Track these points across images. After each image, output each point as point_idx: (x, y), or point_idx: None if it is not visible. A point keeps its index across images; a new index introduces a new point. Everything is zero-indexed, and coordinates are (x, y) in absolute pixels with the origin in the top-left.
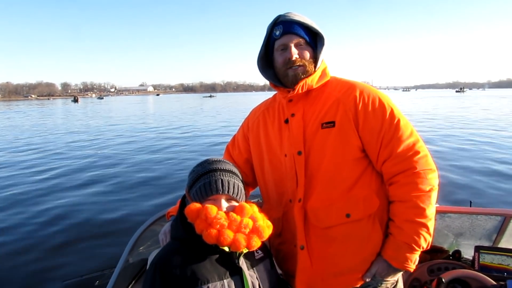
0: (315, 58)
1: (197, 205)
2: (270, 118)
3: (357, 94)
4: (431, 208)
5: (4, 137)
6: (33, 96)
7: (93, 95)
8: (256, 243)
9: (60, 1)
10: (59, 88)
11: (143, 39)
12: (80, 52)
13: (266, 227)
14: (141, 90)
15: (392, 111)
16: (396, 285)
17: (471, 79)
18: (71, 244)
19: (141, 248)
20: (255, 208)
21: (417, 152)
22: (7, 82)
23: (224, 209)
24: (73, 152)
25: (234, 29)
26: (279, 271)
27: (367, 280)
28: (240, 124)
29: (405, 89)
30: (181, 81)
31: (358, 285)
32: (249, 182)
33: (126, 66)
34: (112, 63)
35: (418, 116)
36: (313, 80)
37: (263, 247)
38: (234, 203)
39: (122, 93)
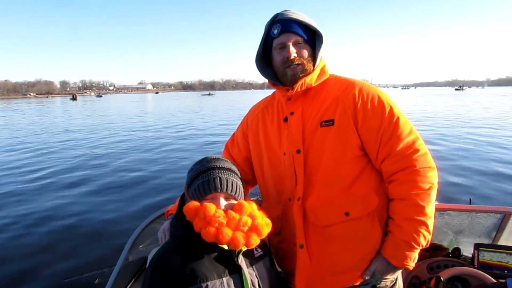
0: (313, 56)
1: (195, 203)
2: (269, 116)
3: (356, 92)
4: (430, 206)
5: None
6: (31, 94)
7: (92, 93)
8: (255, 241)
9: None
10: (58, 86)
11: (142, 37)
12: (79, 50)
13: (265, 225)
14: (140, 88)
15: (391, 109)
16: (395, 282)
17: (470, 77)
18: (56, 246)
19: (140, 246)
20: (254, 206)
21: (417, 150)
22: (6, 80)
23: (223, 207)
24: (66, 151)
25: (233, 27)
26: (279, 269)
27: (367, 278)
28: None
29: (404, 87)
30: (180, 79)
31: (357, 283)
32: (249, 180)
33: (125, 64)
34: (111, 61)
35: (418, 115)
36: (312, 79)
37: (263, 245)
38: (233, 201)
39: (121, 91)
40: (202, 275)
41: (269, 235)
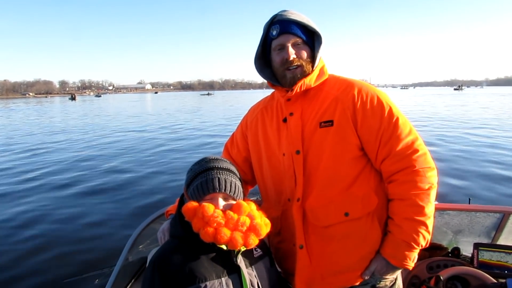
0: (312, 57)
1: (194, 203)
2: (268, 116)
3: (355, 93)
4: (430, 206)
5: None
6: (30, 94)
7: (91, 93)
8: (254, 241)
9: None
10: (57, 86)
11: (141, 37)
12: (78, 50)
13: (264, 225)
14: (139, 88)
15: (390, 109)
16: (395, 282)
17: (469, 76)
18: (42, 249)
19: (140, 246)
20: (252, 206)
21: (416, 150)
22: (5, 80)
23: (221, 208)
24: (58, 152)
25: (232, 27)
26: (279, 269)
27: (366, 278)
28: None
29: (403, 87)
30: (179, 79)
31: (357, 283)
32: (248, 180)
33: (124, 64)
34: (110, 61)
35: (417, 115)
36: (311, 80)
37: (263, 245)
38: (232, 202)
39: (120, 91)
40: (201, 275)
41: (269, 235)
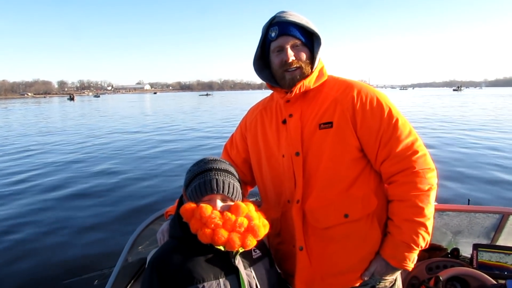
0: (311, 59)
1: (192, 204)
2: (267, 118)
3: (355, 94)
4: (430, 208)
5: None
6: (29, 94)
7: (90, 93)
8: (251, 242)
9: None
10: (56, 86)
11: (140, 37)
12: (77, 50)
13: (262, 226)
14: (138, 88)
15: (390, 111)
16: (394, 283)
17: (467, 77)
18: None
19: (140, 247)
20: (251, 207)
21: (416, 152)
22: (3, 80)
23: (219, 209)
24: (49, 153)
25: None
26: (278, 270)
27: (366, 279)
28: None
29: (402, 88)
30: (178, 80)
31: (357, 284)
32: (248, 181)
33: (123, 65)
34: (109, 61)
35: (418, 116)
36: (310, 81)
37: (262, 246)
38: (230, 203)
39: (119, 91)
40: (199, 276)
41: (268, 237)
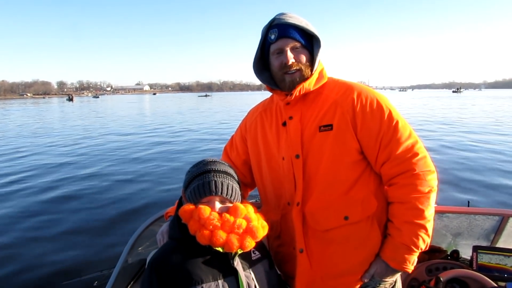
0: (311, 61)
1: (191, 206)
2: (267, 120)
3: (355, 96)
4: (430, 210)
5: None
6: (28, 94)
7: (89, 94)
8: (250, 243)
9: None
10: (55, 86)
11: (140, 38)
12: (77, 51)
13: (261, 228)
14: (138, 89)
15: (390, 113)
16: (394, 285)
17: (467, 79)
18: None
19: (140, 248)
20: (250, 209)
21: (416, 154)
22: (3, 81)
23: (218, 210)
24: (41, 155)
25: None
26: (279, 272)
27: (366, 280)
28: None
29: (401, 89)
30: (178, 80)
31: (357, 286)
32: (248, 183)
33: (123, 65)
34: (109, 62)
35: (418, 118)
36: (310, 84)
37: (261, 247)
38: (229, 204)
39: (118, 92)
40: (197, 277)
41: (268, 239)
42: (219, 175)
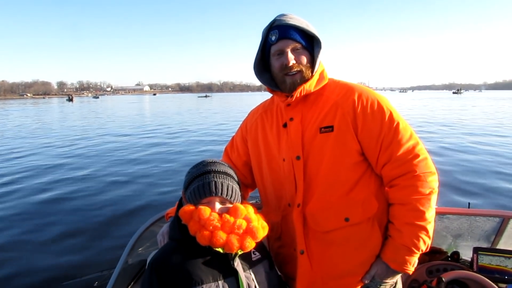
0: (312, 62)
1: (191, 207)
2: (268, 121)
3: (356, 98)
4: (430, 211)
5: None
6: (28, 95)
7: (89, 94)
8: (250, 244)
9: None
10: (55, 87)
11: (140, 38)
12: (77, 51)
13: (261, 228)
14: (138, 90)
15: (391, 114)
16: (395, 286)
17: (467, 80)
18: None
19: (140, 249)
20: (250, 209)
21: (417, 155)
22: (3, 81)
23: (218, 211)
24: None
25: (232, 28)
26: (279, 273)
27: (367, 282)
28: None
29: (401, 90)
30: (178, 81)
31: (358, 287)
32: (248, 184)
33: (123, 65)
34: (109, 62)
35: (419, 119)
36: (310, 85)
37: (262, 248)
38: (229, 205)
39: (118, 93)
40: (198, 278)
41: (269, 240)
42: (219, 175)
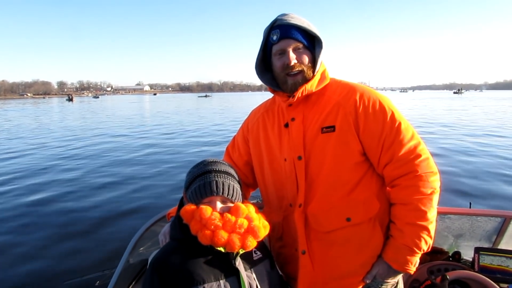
0: (313, 62)
1: (192, 206)
2: (269, 121)
3: (357, 98)
4: (432, 211)
5: None
6: (28, 94)
7: (89, 94)
8: (251, 243)
9: None
10: (55, 86)
11: (140, 38)
12: (77, 51)
13: (262, 227)
14: (138, 90)
15: (393, 114)
16: (396, 286)
17: (467, 80)
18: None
19: (141, 248)
20: (251, 209)
21: (419, 155)
22: (3, 80)
23: (219, 210)
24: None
25: (232, 28)
26: (280, 273)
27: (368, 282)
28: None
29: (402, 90)
30: (178, 81)
31: (359, 287)
32: (250, 184)
33: (123, 65)
34: (109, 62)
35: (418, 120)
36: (312, 85)
37: (263, 248)
38: (230, 204)
39: (118, 92)
40: (199, 277)
41: (270, 240)
42: (220, 175)
